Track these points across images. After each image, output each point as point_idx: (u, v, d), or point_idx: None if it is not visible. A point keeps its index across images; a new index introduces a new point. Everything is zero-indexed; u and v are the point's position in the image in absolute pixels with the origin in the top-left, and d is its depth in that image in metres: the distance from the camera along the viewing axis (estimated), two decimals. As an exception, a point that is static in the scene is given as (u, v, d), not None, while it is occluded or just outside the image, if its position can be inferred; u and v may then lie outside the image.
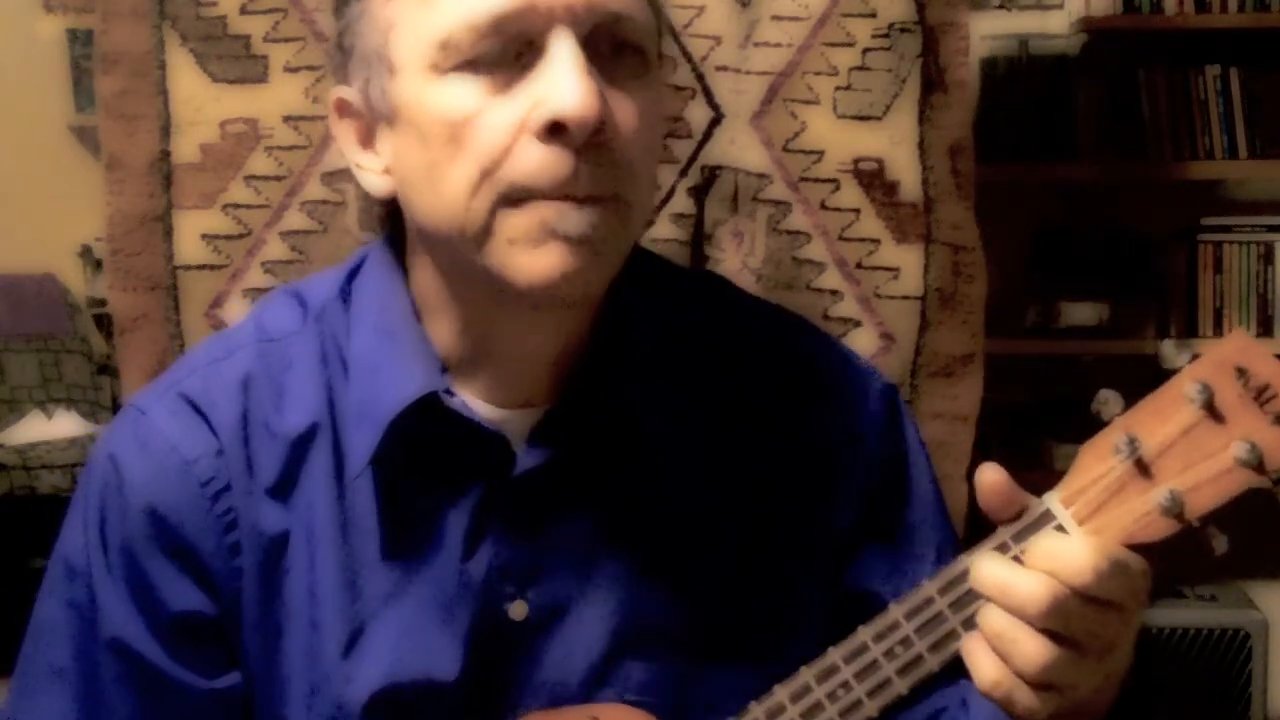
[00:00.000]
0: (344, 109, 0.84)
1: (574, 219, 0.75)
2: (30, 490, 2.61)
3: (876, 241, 1.31)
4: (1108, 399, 0.74)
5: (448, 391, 0.84)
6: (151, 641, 0.85)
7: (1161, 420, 0.72)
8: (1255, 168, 2.66)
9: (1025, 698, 0.71)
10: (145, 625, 0.85)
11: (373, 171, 0.83)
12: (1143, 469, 0.72)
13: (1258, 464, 0.71)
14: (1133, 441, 0.72)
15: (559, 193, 0.75)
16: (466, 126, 0.75)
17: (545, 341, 0.84)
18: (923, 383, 1.32)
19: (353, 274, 0.91)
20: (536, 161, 0.74)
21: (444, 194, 0.77)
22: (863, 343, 1.30)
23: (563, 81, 0.73)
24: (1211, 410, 0.72)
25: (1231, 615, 2.48)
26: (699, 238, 1.30)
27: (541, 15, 0.74)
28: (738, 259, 1.30)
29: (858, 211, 1.30)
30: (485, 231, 0.76)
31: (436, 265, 0.83)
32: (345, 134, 0.84)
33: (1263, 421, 0.72)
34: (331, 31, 0.85)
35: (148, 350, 1.26)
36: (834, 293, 1.31)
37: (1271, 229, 2.69)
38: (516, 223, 0.75)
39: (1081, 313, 2.65)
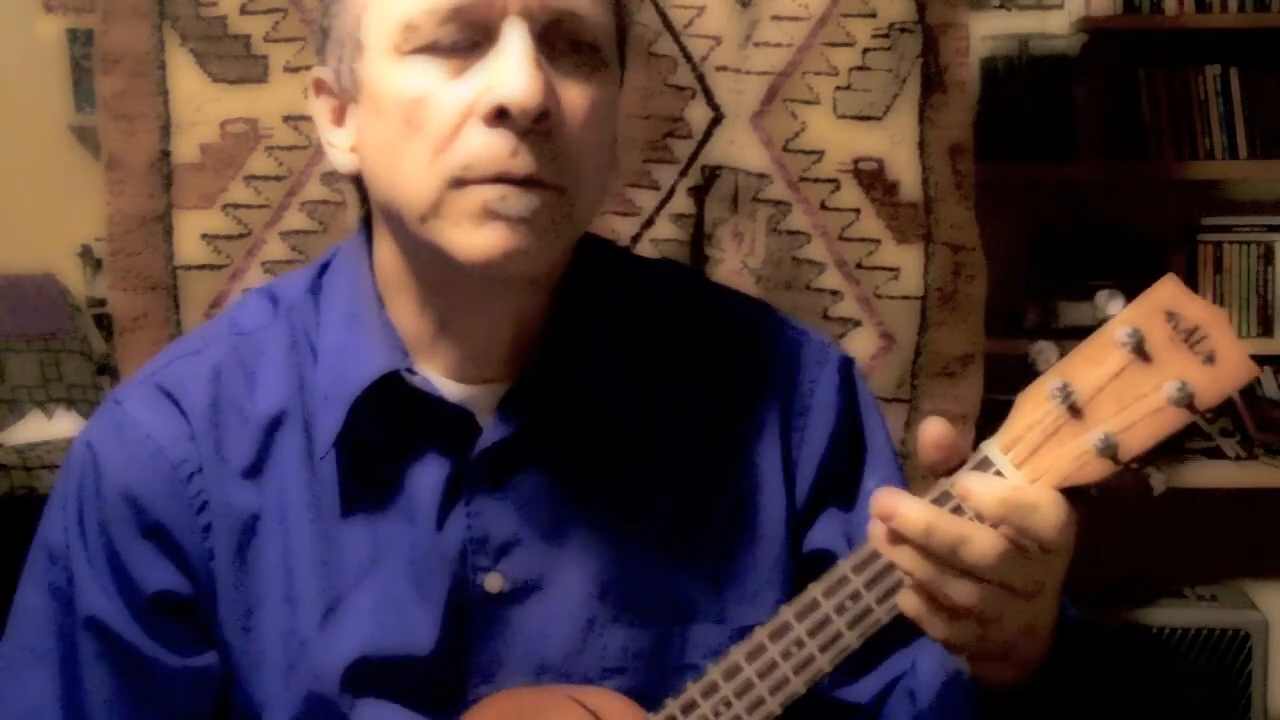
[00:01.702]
0: (320, 87, 0.88)
1: (514, 201, 0.78)
2: (30, 490, 2.61)
3: (876, 241, 1.31)
4: (1042, 349, 0.76)
5: (410, 370, 0.87)
6: (129, 621, 0.87)
7: (1093, 365, 0.74)
8: (1255, 168, 2.66)
9: (938, 621, 0.73)
10: (123, 605, 0.87)
11: (341, 149, 0.87)
12: (1076, 413, 0.74)
13: (1189, 403, 0.72)
14: (1066, 387, 0.73)
15: (498, 173, 0.78)
16: (420, 107, 0.79)
17: (501, 318, 0.87)
18: (923, 383, 1.32)
19: (323, 269, 0.95)
20: (481, 144, 0.78)
21: (398, 171, 0.81)
22: (863, 343, 1.30)
23: (510, 69, 0.77)
24: (1142, 353, 0.73)
25: (1231, 615, 2.47)
26: (699, 238, 1.30)
27: (498, 6, 0.78)
28: (738, 259, 1.30)
29: (858, 211, 1.31)
30: (434, 210, 0.80)
31: (396, 242, 0.87)
32: (320, 112, 0.89)
33: (1194, 361, 0.73)
34: (317, 14, 0.89)
35: (148, 350, 1.25)
36: (834, 293, 1.31)
37: (1271, 229, 2.68)
38: (460, 203, 0.79)
39: (1081, 313, 2.65)
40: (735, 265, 1.29)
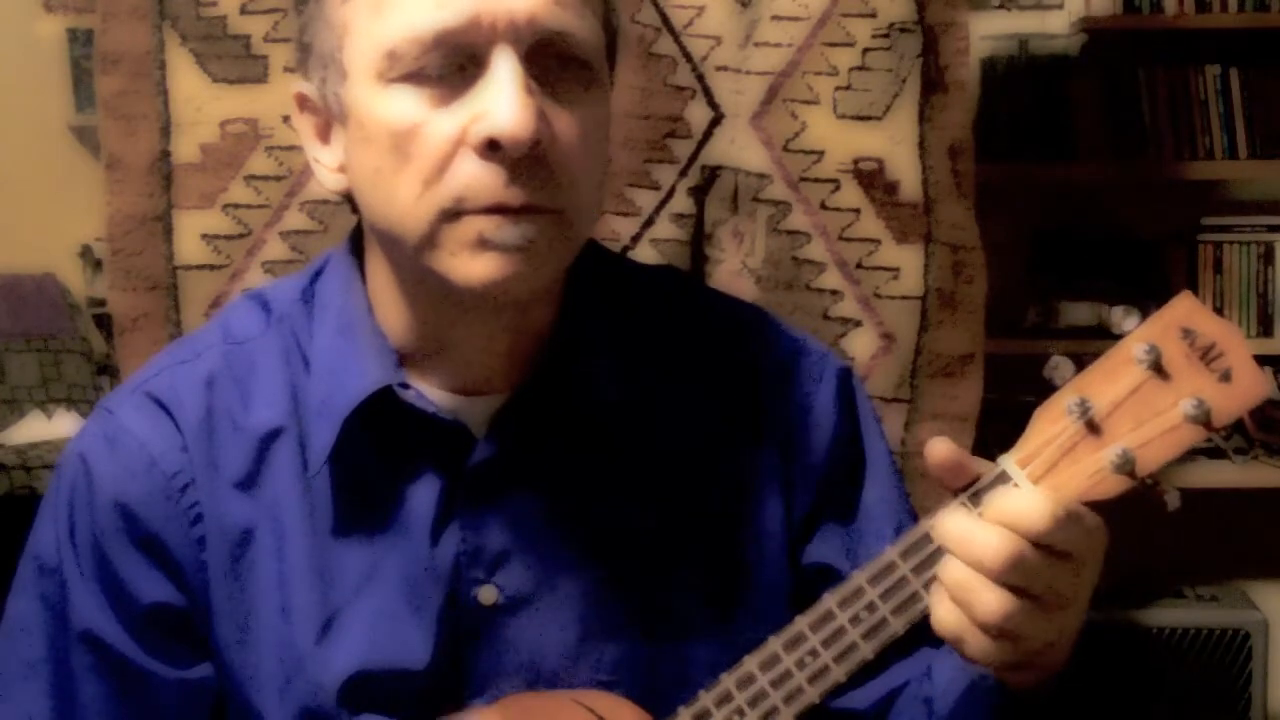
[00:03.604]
0: (304, 103, 0.86)
1: (509, 230, 0.77)
2: (30, 490, 2.61)
3: (876, 241, 1.31)
4: (1058, 364, 0.76)
5: (403, 384, 0.86)
6: (122, 634, 0.87)
7: (1111, 381, 0.75)
8: (1255, 168, 2.66)
9: (977, 642, 0.73)
10: (116, 618, 0.87)
11: (327, 167, 0.86)
12: (1094, 429, 0.74)
13: (1205, 420, 0.73)
14: (1084, 402, 0.74)
15: (492, 205, 0.77)
16: (409, 137, 0.77)
17: (497, 336, 0.86)
18: (923, 383, 1.32)
19: (316, 275, 0.93)
20: (472, 175, 0.76)
21: (390, 200, 0.79)
22: (863, 343, 1.30)
23: (500, 100, 0.75)
24: (1159, 370, 0.74)
25: (1231, 615, 2.47)
26: (699, 238, 1.30)
27: (484, 31, 0.76)
28: (738, 259, 1.30)
29: (858, 211, 1.30)
30: (428, 240, 0.78)
31: (389, 261, 0.86)
32: (305, 128, 0.87)
33: (1209, 378, 0.74)
34: (294, 26, 0.87)
35: (148, 350, 1.25)
36: (834, 293, 1.31)
37: (1271, 229, 2.68)
38: (455, 234, 0.78)
39: (1081, 313, 2.65)
40: (735, 265, 1.29)
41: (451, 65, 0.76)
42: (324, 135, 0.86)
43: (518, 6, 0.76)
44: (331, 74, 0.82)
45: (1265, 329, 2.67)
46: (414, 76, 0.77)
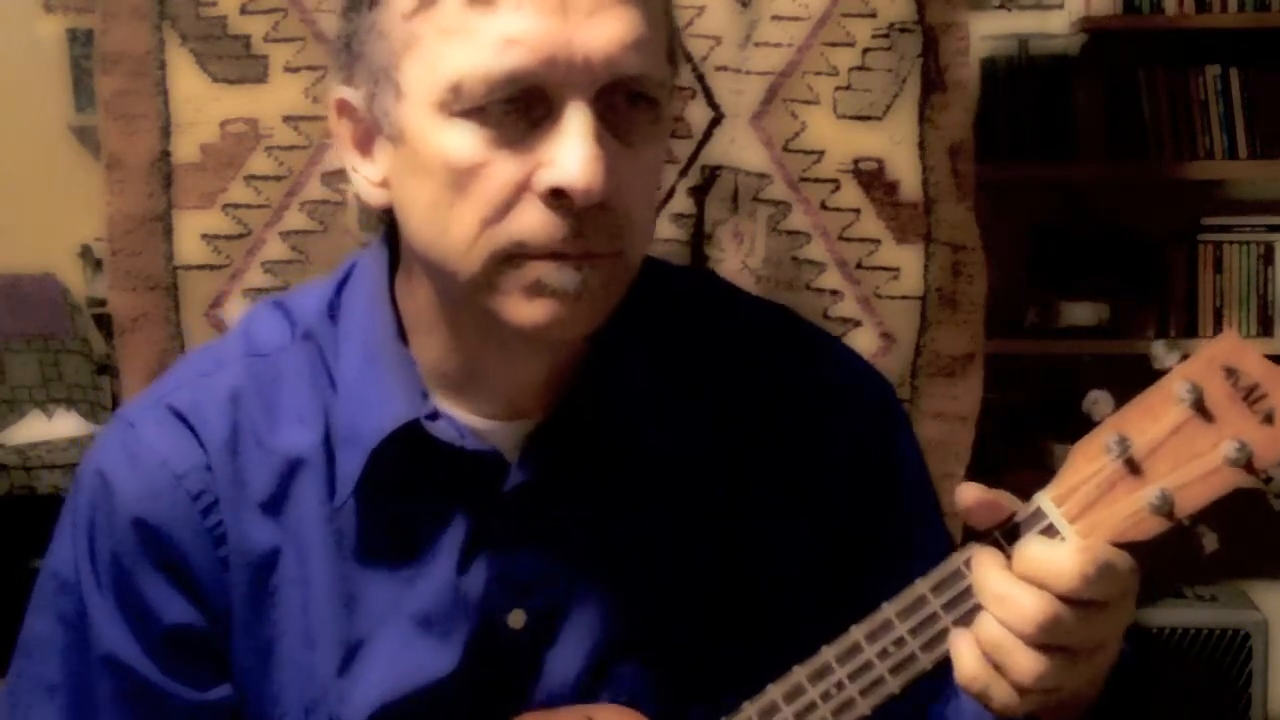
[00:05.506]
0: (344, 109, 0.82)
1: (568, 276, 0.75)
2: (30, 490, 2.61)
3: (876, 241, 1.31)
4: (1098, 399, 0.74)
5: (431, 415, 0.84)
6: (143, 656, 0.85)
7: (1152, 419, 0.73)
8: (1255, 168, 2.66)
9: (1003, 694, 0.72)
10: (136, 639, 0.85)
11: (368, 180, 0.82)
12: (1133, 468, 0.72)
13: (1246, 463, 0.71)
14: (1123, 440, 0.72)
15: (554, 251, 0.75)
16: (470, 176, 0.75)
17: (536, 366, 0.84)
18: (923, 383, 1.32)
19: (340, 285, 0.90)
20: (537, 222, 0.75)
21: (444, 235, 0.77)
22: (863, 343, 1.30)
23: (572, 152, 0.73)
24: (1201, 409, 0.72)
25: (1231, 615, 2.48)
26: (699, 238, 1.30)
27: (560, 74, 0.73)
28: (738, 259, 1.30)
29: (858, 211, 1.31)
30: (482, 279, 0.77)
31: (431, 286, 0.83)
32: (343, 135, 0.83)
33: (1252, 421, 0.72)
34: (337, 28, 0.83)
35: (148, 350, 1.26)
36: (834, 293, 1.31)
37: (1271, 229, 2.69)
38: (512, 277, 0.76)
39: (1081, 313, 2.65)
40: (735, 265, 1.29)
41: (520, 106, 0.74)
42: (363, 146, 0.82)
43: (594, 50, 0.73)
44: (384, 90, 0.78)
45: (1265, 329, 2.67)
46: (478, 113, 0.74)
